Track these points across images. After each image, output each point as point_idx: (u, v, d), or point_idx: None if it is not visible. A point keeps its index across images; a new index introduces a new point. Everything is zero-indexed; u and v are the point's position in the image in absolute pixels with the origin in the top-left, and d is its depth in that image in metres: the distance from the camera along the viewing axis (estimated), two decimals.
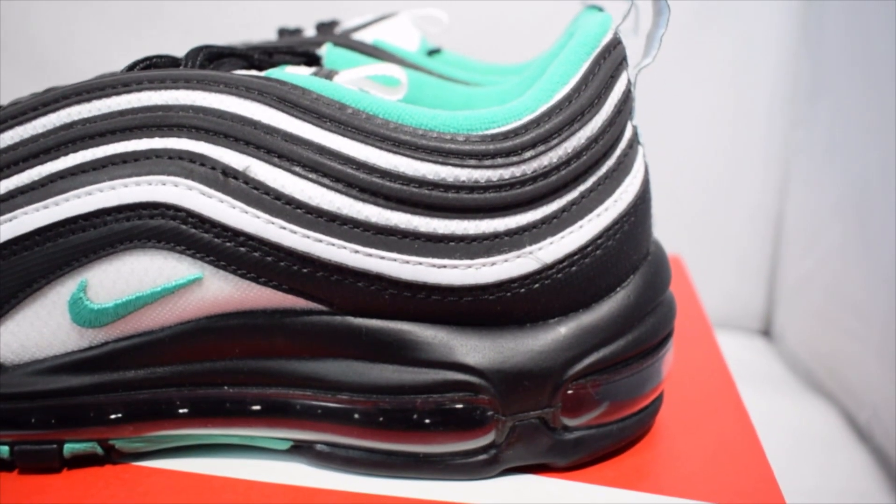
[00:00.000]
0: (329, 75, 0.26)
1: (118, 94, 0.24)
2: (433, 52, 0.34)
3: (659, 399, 0.26)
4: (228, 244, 0.22)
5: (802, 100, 0.50)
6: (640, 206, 0.25)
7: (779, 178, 0.53)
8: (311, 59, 0.28)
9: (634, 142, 0.25)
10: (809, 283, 0.50)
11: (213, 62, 0.26)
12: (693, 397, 0.29)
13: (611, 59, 0.24)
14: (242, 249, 0.22)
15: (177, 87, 0.23)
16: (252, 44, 0.31)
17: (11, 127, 0.24)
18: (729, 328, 0.55)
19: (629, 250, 0.24)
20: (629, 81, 0.25)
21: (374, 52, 0.30)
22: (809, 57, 0.50)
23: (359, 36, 0.32)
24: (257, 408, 0.24)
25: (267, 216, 0.22)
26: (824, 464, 0.43)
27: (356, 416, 0.24)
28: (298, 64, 0.28)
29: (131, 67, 0.25)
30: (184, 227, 0.23)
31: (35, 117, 0.24)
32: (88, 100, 0.24)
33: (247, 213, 0.22)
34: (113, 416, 0.24)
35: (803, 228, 0.51)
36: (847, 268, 0.46)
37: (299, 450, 0.25)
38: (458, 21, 0.37)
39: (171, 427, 0.24)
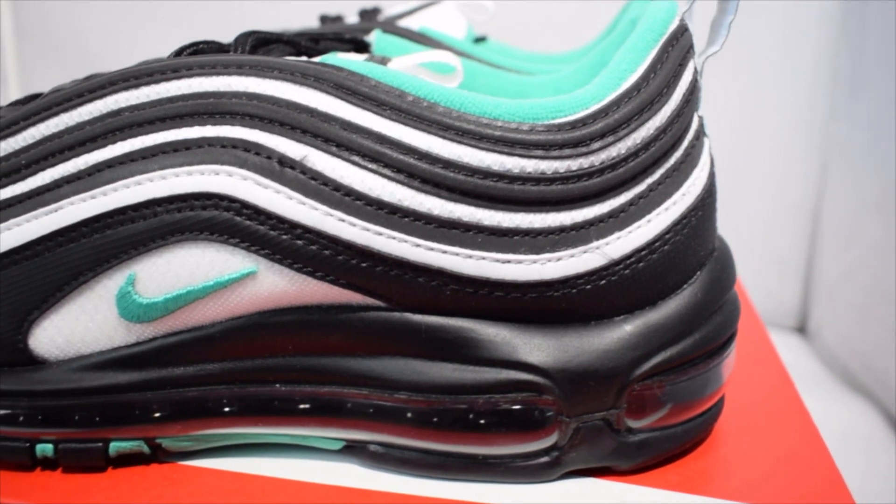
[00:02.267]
0: (383, 62, 0.25)
1: (167, 79, 0.23)
2: (479, 41, 0.33)
3: (721, 401, 0.25)
4: (284, 237, 0.22)
5: (843, 93, 0.49)
6: (708, 200, 0.24)
7: (817, 173, 0.52)
8: (359, 46, 0.28)
9: (701, 133, 0.24)
10: (848, 280, 0.49)
11: (261, 48, 0.25)
12: (752, 399, 0.28)
13: (678, 47, 0.23)
14: (299, 242, 0.22)
15: (229, 73, 0.22)
16: (297, 30, 0.30)
17: (56, 114, 0.23)
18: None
19: (696, 246, 0.24)
20: (696, 70, 0.24)
21: (423, 40, 0.29)
22: (850, 50, 0.49)
23: (403, 23, 0.31)
24: (309, 406, 0.23)
25: (325, 208, 0.21)
26: (864, 463, 0.42)
27: (413, 415, 0.23)
28: (346, 51, 0.27)
29: (178, 53, 0.24)
30: (238, 218, 0.22)
31: (81, 104, 0.23)
32: (136, 86, 0.23)
33: (304, 204, 0.21)
34: (160, 414, 0.23)
35: (842, 224, 0.50)
36: (887, 265, 0.45)
37: (351, 450, 0.24)
38: (498, 10, 0.36)
39: (220, 425, 0.24)
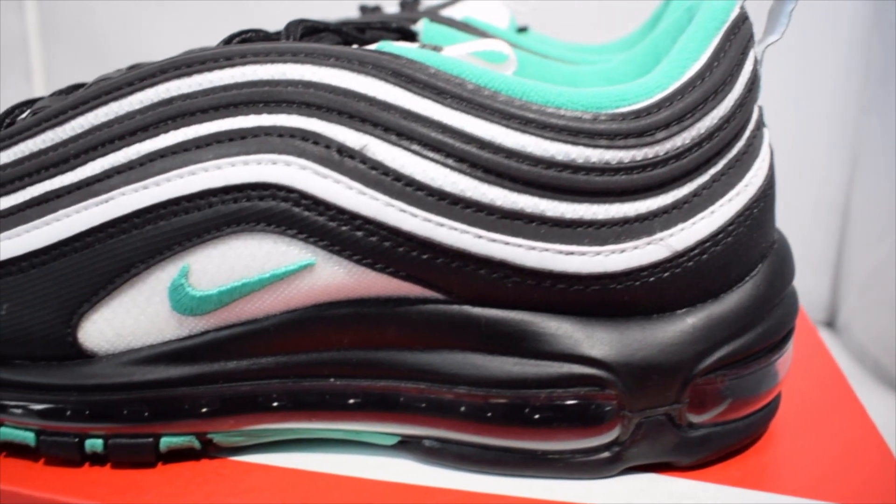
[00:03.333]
0: (435, 51, 0.24)
1: (220, 67, 0.22)
2: (520, 31, 0.32)
3: (779, 397, 0.25)
4: (344, 228, 0.21)
5: (874, 86, 0.49)
6: (768, 192, 0.23)
7: (847, 166, 0.51)
8: (406, 36, 0.27)
9: (761, 123, 0.24)
10: (878, 275, 0.48)
11: (310, 36, 0.25)
12: (807, 395, 0.27)
13: (740, 36, 0.23)
14: (359, 233, 0.21)
15: (284, 61, 0.22)
16: (340, 20, 0.29)
17: (105, 103, 0.23)
18: None
19: (758, 238, 0.23)
20: (756, 59, 0.23)
21: (471, 30, 0.28)
22: (881, 42, 0.48)
23: (446, 13, 0.30)
24: (364, 401, 0.23)
25: (386, 198, 0.21)
26: None
27: (471, 410, 0.22)
28: (393, 40, 0.27)
29: (228, 41, 0.24)
30: (296, 209, 0.21)
31: (131, 93, 0.23)
32: (189, 74, 0.22)
33: (364, 194, 0.21)
34: (212, 409, 0.23)
35: (872, 218, 0.49)
36: None
37: (406, 445, 0.24)
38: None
39: (273, 420, 0.23)
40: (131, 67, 0.26)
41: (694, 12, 0.25)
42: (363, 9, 0.33)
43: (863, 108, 0.50)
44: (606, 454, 0.22)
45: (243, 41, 0.24)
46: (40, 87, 0.51)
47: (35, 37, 0.50)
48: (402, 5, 0.32)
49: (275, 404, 0.23)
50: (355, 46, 0.24)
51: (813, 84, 0.51)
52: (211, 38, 0.51)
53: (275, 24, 0.48)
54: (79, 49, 0.52)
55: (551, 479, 0.23)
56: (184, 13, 0.51)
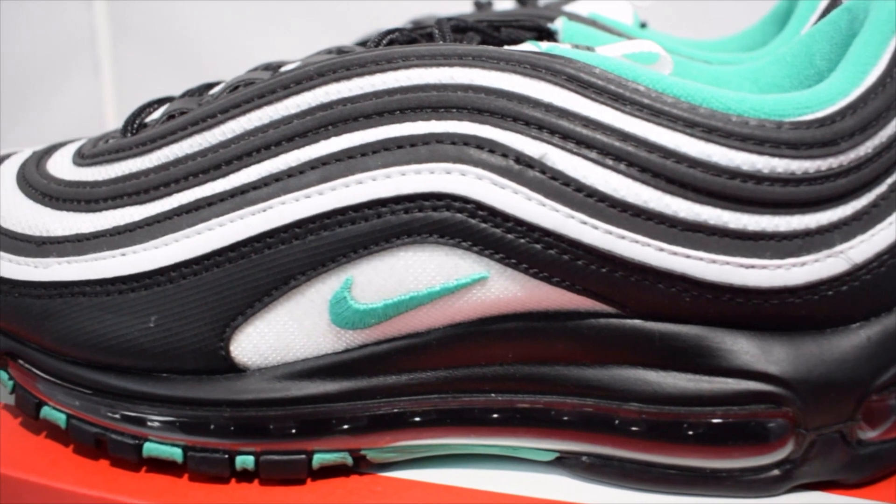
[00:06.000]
0: (588, 51, 0.23)
1: (383, 70, 0.21)
2: (642, 27, 0.32)
3: None
4: (521, 240, 0.20)
5: None
6: None
7: None
8: (542, 35, 0.26)
9: None
10: None
11: (457, 35, 0.24)
12: None
13: None
14: (537, 246, 0.20)
15: (451, 65, 0.21)
16: (461, 16, 0.28)
17: (259, 107, 0.22)
18: None
19: None
20: None
21: (609, 29, 0.27)
22: None
23: (568, 9, 0.29)
24: (525, 416, 0.22)
25: (567, 209, 0.20)
26: None
27: (641, 427, 0.22)
28: (528, 39, 0.26)
29: (377, 42, 0.23)
30: (472, 220, 0.20)
31: (286, 96, 0.22)
32: (348, 77, 0.21)
33: (544, 205, 0.20)
34: (369, 425, 0.22)
35: None
36: None
37: (564, 461, 0.23)
38: None
39: (430, 436, 0.22)
40: (266, 67, 0.25)
41: (855, 13, 0.24)
42: (478, 4, 0.32)
43: None
44: (776, 472, 0.22)
45: (391, 42, 0.23)
46: (108, 83, 0.49)
47: (104, 32, 0.49)
48: (522, 2, 0.32)
49: (432, 419, 0.22)
50: (529, 45, 0.23)
51: None
52: (279, 35, 0.50)
53: (348, 22, 0.48)
54: (147, 44, 0.51)
55: (716, 497, 0.22)
56: (251, 9, 0.50)
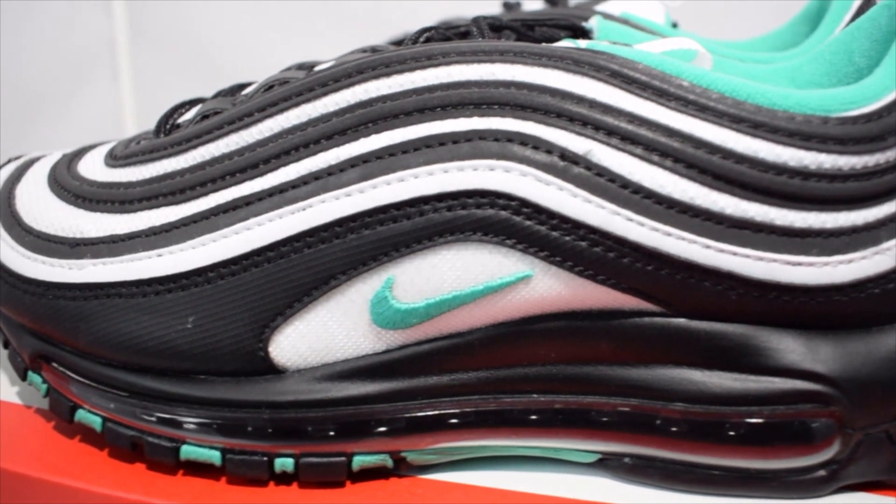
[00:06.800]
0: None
1: (423, 67, 0.21)
2: (673, 27, 0.31)
3: None
4: (566, 238, 0.20)
5: None
6: None
7: None
8: (577, 33, 0.26)
9: None
10: None
11: (494, 33, 0.24)
12: None
13: None
14: (583, 244, 0.20)
15: (492, 61, 0.21)
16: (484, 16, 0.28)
17: (297, 105, 0.22)
18: None
19: None
20: None
21: (641, 27, 0.27)
22: None
23: (600, 9, 0.29)
24: (567, 417, 0.22)
25: (612, 206, 0.20)
26: None
27: (685, 427, 0.21)
28: (563, 37, 0.26)
29: (414, 40, 0.23)
30: (516, 218, 0.20)
31: (324, 94, 0.21)
32: (388, 74, 0.21)
33: (590, 202, 0.20)
34: (409, 426, 0.22)
35: None
36: None
37: (606, 463, 0.22)
38: None
39: (471, 437, 0.22)
40: (300, 66, 0.24)
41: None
42: (507, 5, 0.32)
43: None
44: (822, 473, 0.22)
45: (428, 40, 0.23)
46: (127, 88, 0.49)
47: (123, 37, 0.49)
48: (551, 1, 0.31)
49: (474, 421, 0.22)
50: (568, 42, 0.23)
51: None
52: (299, 39, 0.50)
53: (366, 25, 0.47)
54: (166, 50, 0.51)
55: (759, 498, 0.22)
56: (271, 14, 0.50)
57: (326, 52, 0.30)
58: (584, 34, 0.26)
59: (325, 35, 0.49)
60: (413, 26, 0.33)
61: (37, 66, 0.49)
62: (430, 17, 0.37)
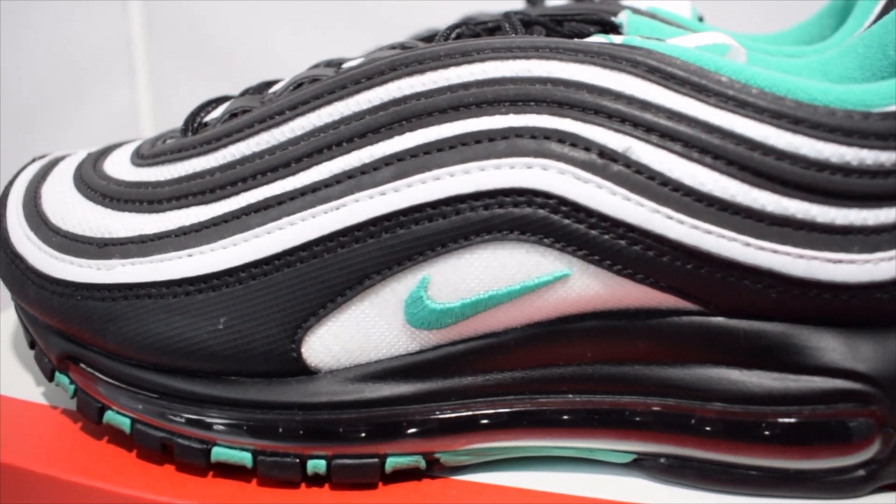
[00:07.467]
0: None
1: (457, 64, 0.21)
2: (700, 21, 0.31)
3: None
4: (606, 236, 0.20)
5: None
6: None
7: None
8: (606, 28, 0.26)
9: None
10: None
11: (526, 28, 0.23)
12: None
13: None
14: (622, 242, 0.20)
15: (527, 57, 0.21)
16: (514, 11, 0.28)
17: (329, 103, 0.21)
18: None
19: None
20: None
21: (669, 22, 0.27)
22: None
23: (626, 3, 0.29)
24: (603, 417, 0.22)
25: (652, 204, 0.20)
26: None
27: (723, 427, 0.21)
28: (593, 33, 0.25)
29: (446, 36, 0.22)
30: (554, 216, 0.20)
31: (357, 91, 0.21)
32: (422, 71, 0.21)
33: (629, 200, 0.20)
34: (444, 427, 0.22)
35: None
36: None
37: (641, 463, 0.22)
38: None
39: (506, 438, 0.22)
40: (328, 64, 0.24)
41: None
42: (531, 1, 0.32)
43: None
44: (861, 473, 0.21)
45: (459, 36, 0.23)
46: (143, 88, 0.49)
47: (139, 37, 0.49)
48: (530, 2, 0.31)
49: (508, 421, 0.22)
50: (599, 38, 0.22)
51: None
52: (315, 39, 0.50)
53: (382, 24, 0.47)
54: (183, 50, 0.50)
55: (798, 498, 0.22)
56: (287, 15, 0.49)
57: (343, 50, 0.30)
58: (614, 29, 0.26)
59: (342, 33, 0.49)
60: (432, 24, 0.33)
61: (53, 64, 0.48)
62: (447, 14, 0.37)
